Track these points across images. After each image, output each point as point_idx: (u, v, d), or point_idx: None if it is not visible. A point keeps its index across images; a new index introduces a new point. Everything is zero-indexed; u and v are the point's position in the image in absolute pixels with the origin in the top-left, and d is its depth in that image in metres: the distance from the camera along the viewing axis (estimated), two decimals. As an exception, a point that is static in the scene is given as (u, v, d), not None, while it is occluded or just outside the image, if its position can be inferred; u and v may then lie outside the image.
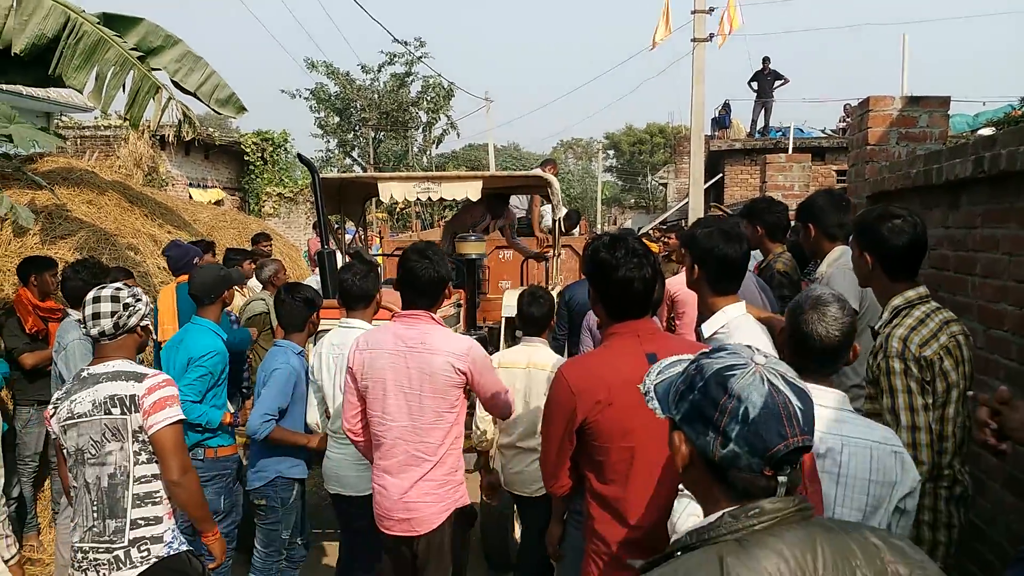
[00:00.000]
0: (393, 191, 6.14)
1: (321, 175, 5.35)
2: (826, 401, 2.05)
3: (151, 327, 3.20)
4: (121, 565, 2.69)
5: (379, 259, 8.16)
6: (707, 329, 2.86)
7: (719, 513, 1.23)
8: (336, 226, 7.42)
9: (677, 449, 1.31)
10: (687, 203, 17.44)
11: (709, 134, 20.15)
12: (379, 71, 28.22)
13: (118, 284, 2.89)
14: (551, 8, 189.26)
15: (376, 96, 28.18)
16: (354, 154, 30.13)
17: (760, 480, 1.22)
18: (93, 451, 2.72)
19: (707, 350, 1.37)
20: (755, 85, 20.09)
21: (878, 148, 4.75)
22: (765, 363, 1.26)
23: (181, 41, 6.52)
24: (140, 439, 2.72)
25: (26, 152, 7.45)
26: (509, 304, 5.98)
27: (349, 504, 3.67)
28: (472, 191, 6.11)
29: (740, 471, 1.23)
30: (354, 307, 3.78)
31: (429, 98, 28.81)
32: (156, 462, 2.74)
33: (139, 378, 2.74)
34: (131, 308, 2.80)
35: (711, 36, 16.00)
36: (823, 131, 20.39)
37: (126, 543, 2.70)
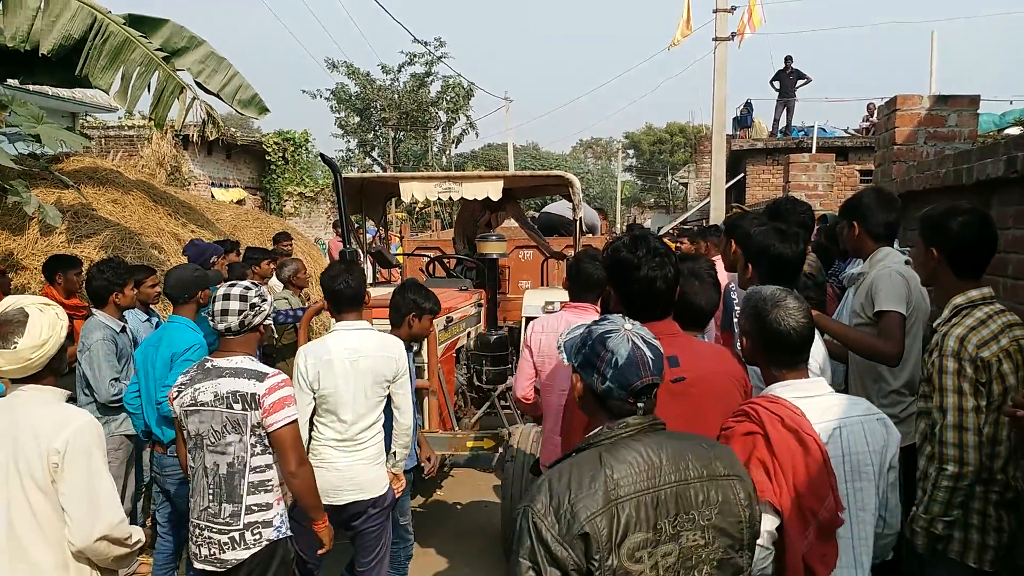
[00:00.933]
0: (414, 191, 6.16)
1: (343, 175, 5.37)
2: (817, 391, 2.21)
3: (272, 325, 3.38)
4: (236, 546, 2.89)
5: (399, 258, 8.19)
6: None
7: (600, 427, 1.81)
8: (357, 225, 7.45)
9: (575, 386, 1.89)
10: (708, 203, 17.35)
11: (730, 133, 20.03)
12: (399, 71, 28.28)
13: (247, 283, 3.05)
14: (571, 8, 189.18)
15: (396, 96, 28.24)
16: (374, 154, 30.21)
17: (626, 406, 1.79)
18: (213, 439, 2.90)
19: (596, 319, 1.91)
20: (777, 84, 19.91)
21: (905, 148, 4.69)
22: (631, 329, 1.83)
23: (205, 42, 6.57)
24: (258, 433, 2.89)
25: (53, 152, 7.54)
26: (530, 304, 5.97)
27: (366, 505, 3.52)
28: (493, 191, 6.10)
29: (614, 400, 1.80)
30: (347, 310, 3.59)
31: (449, 98, 28.81)
32: (271, 453, 2.93)
33: (260, 377, 2.89)
34: (257, 308, 2.98)
35: (733, 35, 15.89)
36: (846, 131, 20.19)
37: (241, 527, 2.89)
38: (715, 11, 15.95)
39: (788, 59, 19.62)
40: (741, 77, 60.19)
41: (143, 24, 6.33)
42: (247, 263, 6.49)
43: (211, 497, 2.92)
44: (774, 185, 18.75)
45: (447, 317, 5.31)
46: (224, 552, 2.88)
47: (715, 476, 1.76)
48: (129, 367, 4.62)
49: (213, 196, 15.50)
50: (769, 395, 2.19)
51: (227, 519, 2.89)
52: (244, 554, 2.88)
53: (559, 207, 8.93)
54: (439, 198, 6.40)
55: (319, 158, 5.87)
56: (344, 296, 3.55)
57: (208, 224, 8.64)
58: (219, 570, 2.90)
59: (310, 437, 3.52)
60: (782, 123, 20.26)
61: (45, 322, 2.39)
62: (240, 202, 16.49)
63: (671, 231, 21.83)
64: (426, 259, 7.50)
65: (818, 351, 2.78)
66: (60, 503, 2.35)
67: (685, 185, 31.23)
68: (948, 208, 2.61)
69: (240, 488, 2.90)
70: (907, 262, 3.29)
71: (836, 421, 2.15)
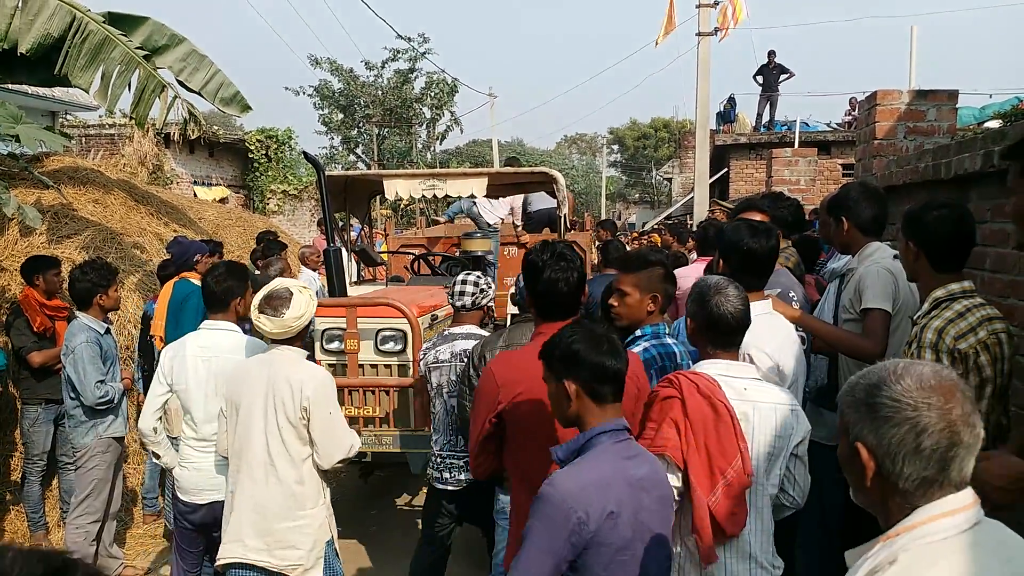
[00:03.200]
0: (399, 188, 6.14)
1: (326, 173, 5.35)
2: (739, 372, 2.46)
3: (492, 308, 4.24)
4: (467, 469, 3.56)
5: (384, 256, 8.17)
6: None
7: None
8: (341, 223, 7.43)
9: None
10: (692, 198, 17.41)
11: (714, 128, 20.10)
12: (383, 67, 28.22)
13: (478, 273, 3.89)
14: (556, 4, 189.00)
15: (380, 92, 28.16)
16: (358, 151, 30.12)
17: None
18: (449, 388, 3.72)
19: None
20: (760, 79, 20.01)
21: (886, 142, 4.73)
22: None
23: (186, 40, 6.52)
24: None
25: (33, 152, 7.47)
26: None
27: (214, 511, 3.44)
28: (477, 188, 6.10)
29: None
30: (213, 310, 3.61)
31: (433, 94, 28.76)
32: None
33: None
34: (484, 292, 3.87)
35: (716, 30, 15.94)
36: (828, 125, 20.32)
37: None
38: (698, 6, 16.00)
39: (771, 54, 19.72)
40: (725, 72, 60.47)
41: (123, 22, 6.27)
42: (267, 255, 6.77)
43: (451, 431, 3.70)
44: (757, 180, 18.85)
45: (432, 315, 5.31)
46: (461, 474, 3.69)
47: None
48: (115, 369, 4.60)
49: (196, 195, 15.39)
50: (695, 369, 2.47)
51: (463, 447, 3.58)
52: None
53: (538, 199, 8.89)
54: (423, 195, 6.39)
55: (302, 156, 5.86)
56: (209, 295, 3.62)
57: (191, 223, 8.58)
58: (457, 488, 3.72)
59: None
60: (765, 118, 20.37)
61: (303, 301, 3.15)
62: (223, 200, 16.38)
63: (656, 226, 21.90)
64: (411, 257, 7.49)
65: (787, 357, 2.79)
66: (309, 436, 3.10)
67: (669, 180, 31.34)
68: (926, 203, 2.65)
69: None
70: (896, 256, 3.31)
71: (750, 404, 2.40)
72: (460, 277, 3.86)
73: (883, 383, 1.34)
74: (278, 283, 3.23)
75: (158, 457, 3.66)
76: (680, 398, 2.31)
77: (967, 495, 1.31)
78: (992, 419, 2.47)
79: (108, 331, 4.59)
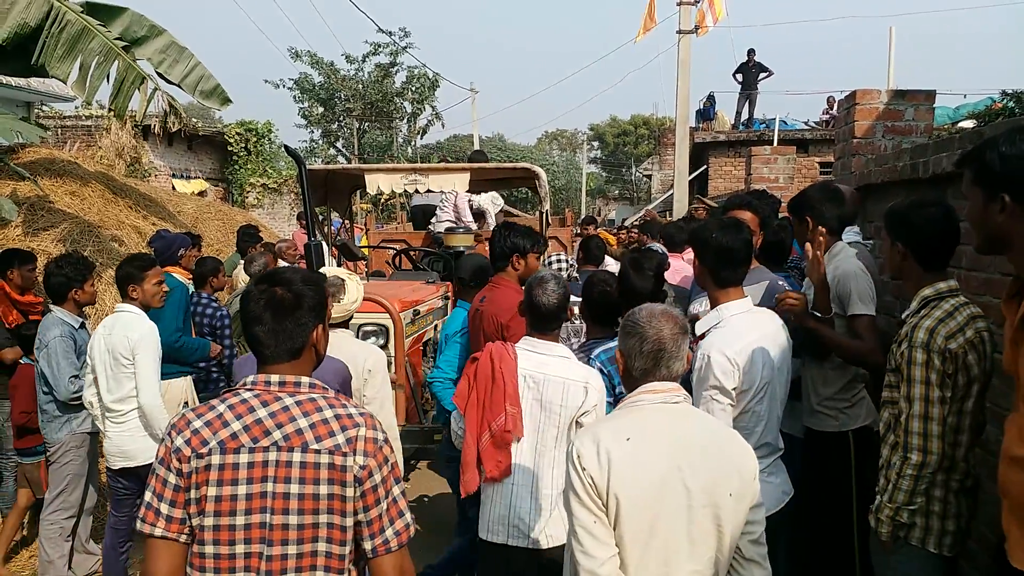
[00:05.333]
0: (380, 182, 6.12)
1: (307, 166, 5.32)
2: (545, 350, 2.97)
3: None
4: None
5: (364, 251, 8.14)
6: (700, 327, 2.86)
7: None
8: (321, 217, 7.38)
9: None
10: (671, 195, 17.50)
11: (694, 126, 20.19)
12: (364, 61, 27.98)
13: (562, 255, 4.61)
14: (537, 0, 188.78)
15: (361, 86, 27.95)
16: (338, 144, 29.91)
17: None
18: None
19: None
20: (740, 77, 20.13)
21: (864, 141, 4.78)
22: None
23: (166, 31, 6.46)
24: None
25: (8, 143, 7.36)
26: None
27: (138, 476, 4.05)
28: (459, 183, 6.10)
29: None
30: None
31: (414, 88, 28.59)
32: None
33: None
34: (571, 266, 4.40)
35: (696, 28, 16.01)
36: (807, 123, 20.48)
37: None
38: (678, 4, 16.07)
39: (751, 52, 19.84)
40: (704, 70, 60.76)
41: (101, 12, 6.19)
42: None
43: None
44: (736, 177, 18.98)
45: (414, 310, 5.30)
46: None
47: None
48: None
49: (174, 188, 15.23)
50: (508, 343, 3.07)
51: None
52: None
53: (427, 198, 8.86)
54: (405, 190, 6.38)
55: (283, 149, 5.82)
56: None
57: (170, 216, 8.51)
58: None
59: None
60: (744, 116, 20.50)
61: (353, 286, 3.49)
62: (202, 194, 16.22)
63: (634, 223, 21.95)
64: (392, 251, 7.47)
65: (754, 359, 2.72)
66: (367, 398, 3.40)
67: (649, 177, 31.42)
68: (912, 203, 2.67)
69: None
70: (858, 254, 3.40)
71: (541, 374, 2.91)
72: (554, 256, 4.72)
73: (631, 314, 2.13)
74: (328, 272, 3.50)
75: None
76: (478, 361, 2.97)
77: (671, 384, 2.05)
78: (978, 417, 2.50)
79: (83, 325, 4.53)
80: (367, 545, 1.86)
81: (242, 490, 1.81)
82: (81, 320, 4.52)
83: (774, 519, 2.83)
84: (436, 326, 6.19)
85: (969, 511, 2.54)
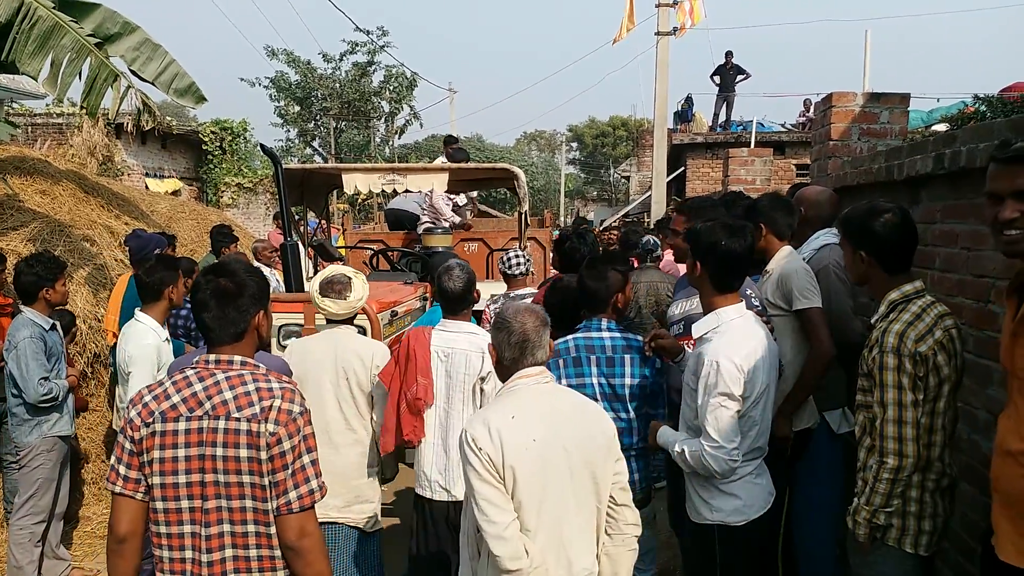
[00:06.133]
0: (357, 182, 6.08)
1: (284, 166, 5.26)
2: (455, 328, 3.45)
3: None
4: None
5: (342, 251, 8.08)
6: (697, 330, 2.86)
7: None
8: (298, 217, 7.32)
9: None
10: (649, 196, 17.57)
11: (672, 128, 20.30)
12: (341, 60, 27.87)
13: (519, 249, 4.89)
14: (516, 0, 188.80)
15: (338, 85, 27.82)
16: (315, 144, 29.73)
17: None
18: None
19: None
20: (717, 79, 20.26)
21: (840, 143, 4.82)
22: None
23: (139, 28, 6.36)
24: None
25: (-24, 140, 7.23)
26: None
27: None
28: (438, 183, 6.07)
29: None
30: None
31: (392, 88, 28.51)
32: None
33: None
34: (529, 261, 4.77)
35: (674, 30, 16.09)
36: (783, 125, 20.66)
37: None
38: (657, 5, 16.14)
39: (728, 54, 19.99)
40: (683, 72, 61.08)
41: (73, 8, 6.09)
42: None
43: None
44: (714, 179, 19.08)
45: (392, 311, 5.27)
46: None
47: None
48: (61, 365, 4.47)
49: (147, 187, 15.04)
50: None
51: None
52: None
53: (401, 201, 8.82)
54: (383, 190, 6.34)
55: (259, 148, 5.77)
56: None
57: (143, 216, 8.38)
58: None
59: None
60: (722, 117, 20.64)
61: (359, 284, 3.62)
62: (176, 193, 16.03)
63: (613, 223, 22.04)
64: (369, 252, 7.42)
65: (757, 366, 2.77)
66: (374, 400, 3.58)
67: (627, 178, 31.56)
68: (868, 209, 2.65)
69: None
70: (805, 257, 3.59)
71: (450, 348, 3.40)
72: (511, 253, 4.81)
73: (500, 311, 2.45)
74: (333, 270, 3.68)
75: None
76: (399, 343, 3.45)
77: (538, 369, 2.38)
78: (949, 416, 2.52)
79: (54, 327, 4.45)
80: (272, 504, 2.10)
81: (181, 453, 2.09)
82: (52, 321, 4.45)
83: (762, 520, 2.87)
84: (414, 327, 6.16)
85: (945, 511, 2.56)
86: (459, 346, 3.38)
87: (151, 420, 2.10)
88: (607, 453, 2.37)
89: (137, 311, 4.14)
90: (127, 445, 2.12)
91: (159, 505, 2.11)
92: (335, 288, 3.58)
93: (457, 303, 3.48)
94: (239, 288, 2.18)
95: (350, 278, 3.59)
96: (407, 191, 6.73)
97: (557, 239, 4.99)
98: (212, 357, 2.17)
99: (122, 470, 2.12)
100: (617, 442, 2.41)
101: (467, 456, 2.25)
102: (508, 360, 2.37)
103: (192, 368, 2.17)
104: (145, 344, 3.95)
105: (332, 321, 3.68)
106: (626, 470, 2.45)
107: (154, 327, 4.05)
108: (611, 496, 2.39)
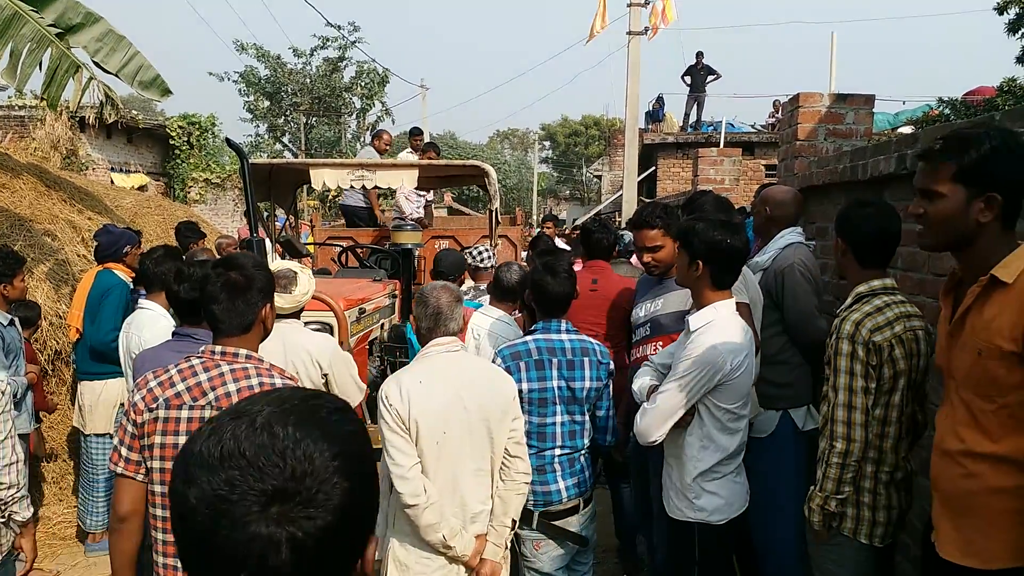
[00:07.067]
0: (326, 178, 6.02)
1: (251, 160, 5.19)
2: (492, 314, 3.90)
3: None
4: None
5: (310, 248, 8.00)
6: (694, 322, 2.87)
7: None
8: (266, 213, 7.24)
9: None
10: (621, 195, 17.64)
11: (643, 127, 20.41)
12: (311, 55, 27.62)
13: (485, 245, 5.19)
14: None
15: (308, 80, 27.58)
16: (285, 139, 29.45)
17: None
18: None
19: None
20: (688, 79, 20.40)
21: (807, 143, 4.86)
22: None
23: (103, 19, 6.23)
24: None
25: (-68, 132, 7.04)
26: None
27: None
28: (408, 179, 6.04)
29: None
30: None
31: (363, 84, 28.31)
32: None
33: None
34: (491, 257, 5.07)
35: (646, 29, 16.17)
36: (753, 126, 20.86)
37: None
38: (629, 5, 16.20)
39: (699, 55, 20.14)
40: (654, 72, 61.42)
41: (34, -2, 5.96)
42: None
43: None
44: (684, 179, 19.23)
45: (360, 308, 5.22)
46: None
47: None
48: (19, 362, 4.37)
49: (113, 182, 14.78)
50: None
51: None
52: None
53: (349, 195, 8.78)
54: (352, 186, 6.28)
55: (225, 143, 5.69)
56: None
57: (107, 211, 8.23)
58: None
59: None
60: (692, 118, 20.79)
61: (305, 278, 3.60)
62: (142, 188, 15.78)
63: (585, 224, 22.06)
64: (338, 249, 7.35)
65: (747, 361, 2.83)
66: (337, 392, 3.49)
67: (599, 177, 31.66)
68: (856, 202, 2.76)
69: None
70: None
71: (482, 329, 3.86)
72: (480, 247, 5.01)
73: (421, 288, 2.84)
74: (280, 265, 3.67)
75: None
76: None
77: (450, 338, 2.76)
78: (907, 411, 2.56)
79: (12, 323, 4.35)
80: None
81: (182, 440, 2.12)
82: (10, 318, 4.35)
83: (738, 519, 2.91)
84: (383, 324, 6.11)
85: (900, 503, 2.60)
86: (490, 329, 3.85)
87: (155, 406, 2.17)
88: (503, 414, 2.74)
89: (142, 300, 4.17)
90: (129, 428, 2.20)
91: (158, 488, 2.18)
92: (280, 283, 3.55)
93: (505, 293, 3.98)
94: (248, 281, 2.27)
95: (296, 272, 3.60)
96: (364, 188, 6.67)
97: (582, 230, 4.81)
98: (218, 348, 2.24)
99: (124, 452, 2.20)
100: (516, 404, 2.80)
101: (380, 410, 2.63)
102: (425, 329, 2.77)
103: (198, 357, 2.24)
104: (160, 327, 3.89)
105: (280, 316, 3.64)
106: (522, 428, 2.83)
107: (163, 313, 4.06)
108: (506, 449, 2.77)
